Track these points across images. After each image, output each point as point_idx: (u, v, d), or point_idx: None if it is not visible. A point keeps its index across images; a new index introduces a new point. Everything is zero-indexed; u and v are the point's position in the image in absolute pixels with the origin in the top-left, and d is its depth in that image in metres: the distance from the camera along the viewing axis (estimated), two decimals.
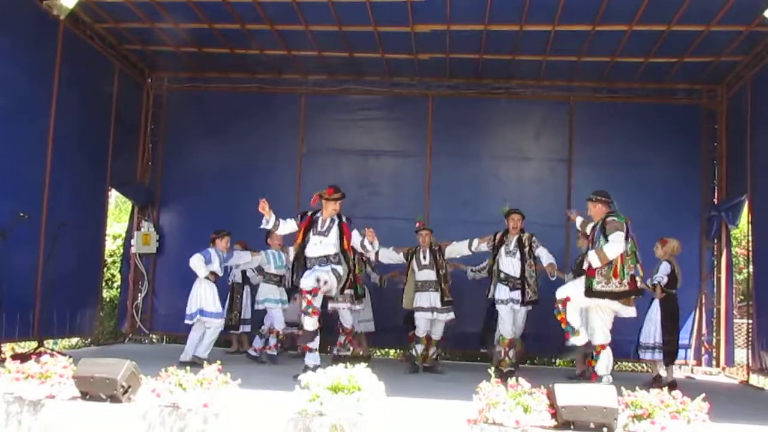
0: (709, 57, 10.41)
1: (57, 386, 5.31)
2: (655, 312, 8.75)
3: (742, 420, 6.05)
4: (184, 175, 12.08)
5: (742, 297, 12.52)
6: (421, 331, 9.22)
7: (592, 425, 4.70)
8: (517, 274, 8.82)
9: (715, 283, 11.19)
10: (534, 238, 8.92)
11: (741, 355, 11.07)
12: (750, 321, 10.33)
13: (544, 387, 4.97)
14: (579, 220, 7.98)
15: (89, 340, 11.24)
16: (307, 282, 7.68)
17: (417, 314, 9.22)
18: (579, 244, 9.02)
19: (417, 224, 9.48)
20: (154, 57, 11.81)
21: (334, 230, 8.04)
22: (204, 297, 8.95)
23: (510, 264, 8.88)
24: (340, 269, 7.93)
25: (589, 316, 7.54)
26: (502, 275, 8.92)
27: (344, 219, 8.21)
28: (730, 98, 11.19)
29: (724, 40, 9.76)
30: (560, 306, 7.27)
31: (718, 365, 10.96)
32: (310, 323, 7.75)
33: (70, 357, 5.87)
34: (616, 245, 7.01)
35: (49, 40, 9.45)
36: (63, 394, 5.30)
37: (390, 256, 9.41)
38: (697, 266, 11.05)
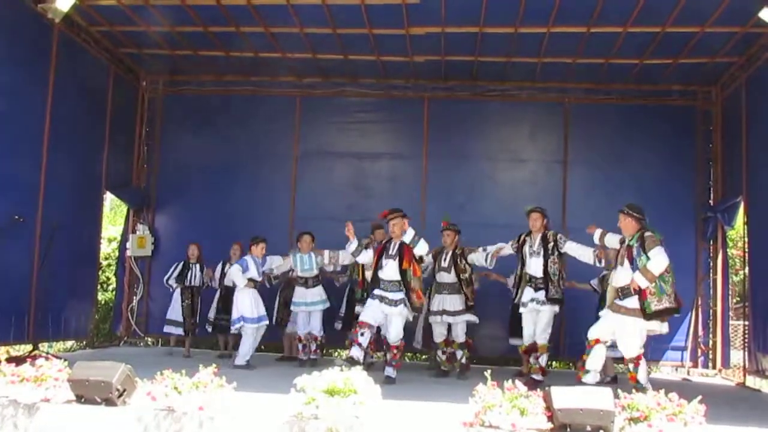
0: (703, 58, 10.43)
1: (52, 389, 5.31)
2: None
3: (739, 422, 6.06)
4: (179, 178, 12.07)
5: (739, 298, 12.55)
6: (436, 336, 9.18)
7: (588, 428, 4.70)
8: (540, 274, 8.35)
9: (711, 284, 11.19)
10: (560, 235, 8.47)
11: (737, 356, 11.07)
12: (746, 322, 10.33)
13: (540, 390, 4.97)
14: (597, 233, 7.81)
15: (84, 343, 11.21)
16: (364, 316, 8.26)
17: (430, 318, 9.19)
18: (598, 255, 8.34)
19: (442, 224, 9.26)
20: (149, 60, 11.79)
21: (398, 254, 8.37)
22: (242, 304, 9.23)
23: (534, 264, 8.42)
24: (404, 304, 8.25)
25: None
26: (527, 277, 8.46)
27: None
28: (724, 99, 11.21)
29: (719, 41, 9.78)
30: (632, 365, 7.05)
31: (714, 367, 10.96)
32: (353, 351, 8.01)
33: (65, 360, 5.86)
34: (659, 260, 6.81)
35: (43, 43, 9.44)
36: (58, 398, 5.30)
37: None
38: (693, 268, 11.05)
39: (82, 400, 5.28)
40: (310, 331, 9.59)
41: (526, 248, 8.49)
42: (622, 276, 7.05)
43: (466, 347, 9.16)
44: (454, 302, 8.96)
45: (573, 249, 8.35)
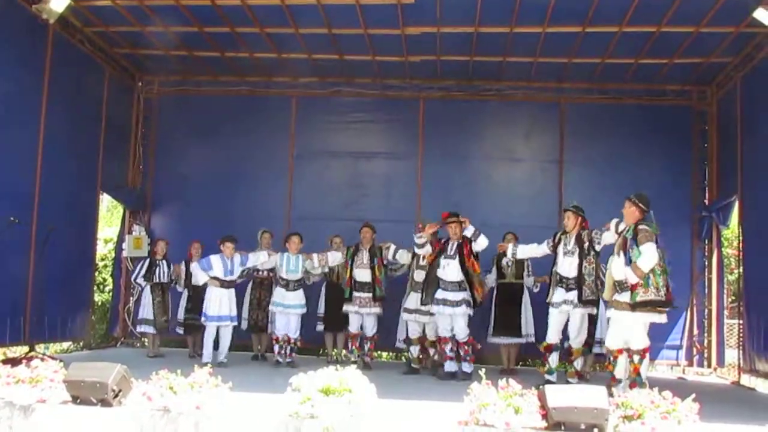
0: (698, 58, 10.45)
1: (48, 390, 5.32)
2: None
3: (733, 420, 6.08)
4: (175, 178, 12.07)
5: (734, 297, 12.55)
6: (411, 333, 9.33)
7: (582, 426, 4.71)
8: (573, 274, 8.00)
9: (706, 283, 11.21)
10: (595, 233, 7.98)
11: (732, 355, 11.08)
12: (741, 321, 10.35)
13: (534, 388, 4.98)
14: (613, 223, 7.63)
15: (81, 344, 11.19)
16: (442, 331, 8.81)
17: (404, 316, 9.44)
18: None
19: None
20: (145, 60, 11.79)
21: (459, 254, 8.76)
22: (208, 301, 9.37)
23: (567, 264, 8.08)
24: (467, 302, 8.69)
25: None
26: (558, 277, 8.15)
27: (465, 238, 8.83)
28: (720, 99, 11.24)
29: (714, 41, 9.80)
30: (611, 358, 7.17)
31: (709, 366, 10.99)
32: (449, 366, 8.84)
33: (61, 361, 5.86)
34: (649, 256, 6.83)
35: (38, 44, 9.41)
36: (54, 399, 5.31)
37: (406, 257, 9.54)
38: (688, 267, 11.07)
39: (78, 400, 5.29)
40: (286, 333, 9.54)
41: (560, 248, 8.19)
42: (617, 267, 7.06)
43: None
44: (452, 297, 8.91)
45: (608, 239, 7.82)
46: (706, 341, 11.12)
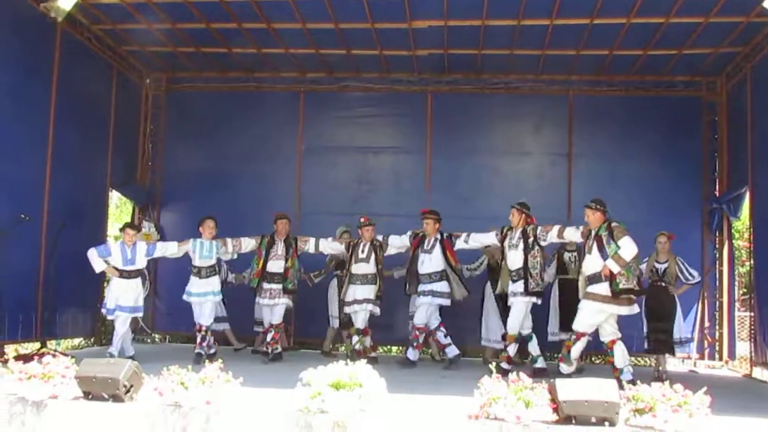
0: (707, 48, 10.40)
1: (60, 386, 5.34)
2: (679, 306, 9.04)
3: (745, 413, 6.06)
4: (184, 174, 12.10)
5: (745, 290, 12.50)
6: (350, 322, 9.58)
7: (593, 419, 4.70)
8: (517, 266, 8.56)
9: (717, 276, 11.15)
10: (540, 230, 8.56)
11: (744, 348, 11.04)
12: (752, 314, 10.31)
13: (545, 382, 4.98)
14: (555, 230, 8.54)
15: (92, 340, 11.25)
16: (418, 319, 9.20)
17: (346, 309, 9.55)
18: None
19: (361, 219, 9.59)
20: (152, 57, 11.81)
21: (438, 248, 9.15)
22: (108, 292, 9.07)
23: (511, 257, 8.67)
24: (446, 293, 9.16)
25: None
26: (507, 270, 8.74)
27: (445, 236, 9.24)
28: (729, 89, 11.17)
29: (723, 31, 9.74)
30: (574, 337, 7.89)
31: (720, 359, 10.94)
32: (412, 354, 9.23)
33: (72, 357, 5.91)
34: (631, 248, 7.52)
35: (47, 42, 9.46)
36: (66, 394, 5.33)
37: (332, 246, 9.66)
38: (699, 259, 10.99)
39: (90, 396, 5.31)
40: (199, 322, 9.30)
41: (506, 242, 8.78)
42: (591, 263, 7.76)
43: (362, 334, 9.43)
44: (366, 292, 9.33)
45: (570, 234, 8.49)
46: (717, 334, 11.07)
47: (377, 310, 9.44)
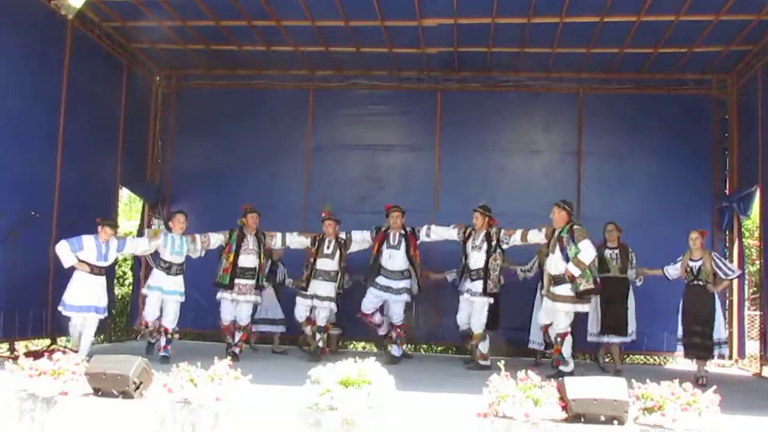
0: (718, 46, 10.35)
1: (69, 383, 5.37)
2: (719, 306, 8.70)
3: (755, 412, 6.04)
4: (193, 172, 12.12)
5: (755, 288, 12.44)
6: (301, 316, 9.53)
7: (602, 418, 4.69)
8: (478, 266, 8.90)
9: None
10: (503, 233, 8.93)
11: (754, 347, 10.98)
12: (762, 313, 10.26)
13: (553, 380, 4.97)
14: (518, 234, 8.87)
15: (102, 337, 11.28)
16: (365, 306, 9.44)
17: (308, 302, 9.51)
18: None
19: (323, 214, 9.60)
20: (162, 55, 11.84)
21: (404, 243, 9.33)
22: (70, 287, 8.26)
23: (474, 257, 8.97)
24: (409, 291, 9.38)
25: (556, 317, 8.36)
26: (467, 269, 9.04)
27: (409, 230, 9.42)
28: (740, 87, 11.12)
29: (734, 29, 9.70)
30: (559, 339, 8.27)
31: (730, 357, 10.87)
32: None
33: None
34: (589, 251, 7.99)
35: (57, 39, 9.50)
36: (75, 391, 5.36)
37: (298, 241, 9.62)
38: None
39: (99, 393, 5.34)
40: (158, 321, 8.88)
41: (469, 242, 9.05)
42: (554, 263, 8.19)
43: (324, 331, 9.51)
44: (329, 289, 9.40)
45: (534, 237, 8.80)
46: (727, 333, 10.99)
47: (335, 308, 9.55)
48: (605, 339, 9.33)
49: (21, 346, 9.39)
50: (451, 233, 9.31)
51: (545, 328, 8.70)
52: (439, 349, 12.50)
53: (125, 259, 13.36)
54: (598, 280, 8.18)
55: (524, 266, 9.70)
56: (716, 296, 8.63)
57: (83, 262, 8.21)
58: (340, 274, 9.46)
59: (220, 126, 12.12)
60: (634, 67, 11.24)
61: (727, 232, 11.16)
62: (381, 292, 9.36)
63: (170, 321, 8.81)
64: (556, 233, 8.23)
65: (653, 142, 11.33)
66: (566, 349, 8.22)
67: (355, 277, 10.22)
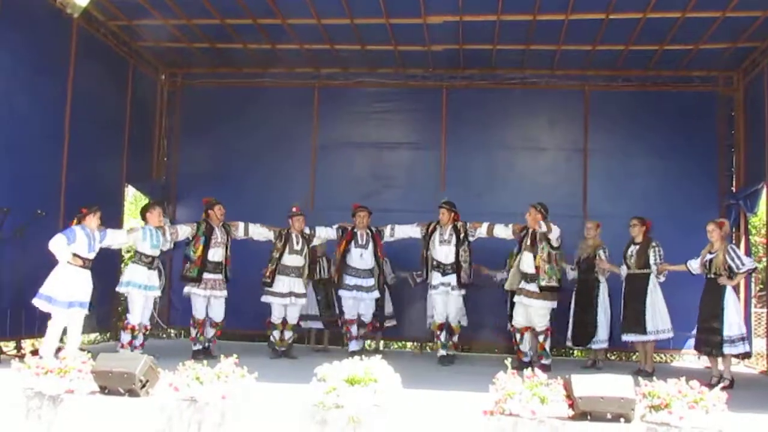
0: (725, 43, 10.31)
1: (76, 381, 5.37)
2: (734, 301, 8.15)
3: (762, 410, 6.02)
4: (199, 170, 12.11)
5: (761, 286, 12.40)
6: (277, 318, 9.44)
7: (609, 416, 4.68)
8: (450, 261, 9.09)
9: None
10: (470, 226, 9.20)
11: (761, 344, 10.95)
12: None
13: (560, 377, 4.96)
14: (484, 227, 9.26)
15: (108, 335, 11.31)
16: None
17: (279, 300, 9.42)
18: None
19: (293, 209, 9.58)
20: (167, 53, 11.85)
21: (371, 243, 9.52)
22: (57, 281, 7.63)
23: (443, 251, 9.12)
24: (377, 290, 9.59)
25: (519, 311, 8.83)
26: (435, 263, 9.17)
27: (374, 230, 9.59)
28: (746, 84, 11.08)
29: (740, 26, 9.66)
30: (542, 336, 8.71)
31: (748, 357, 10.82)
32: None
33: (88, 352, 5.92)
34: (557, 232, 8.49)
35: (63, 38, 9.51)
36: (82, 389, 5.36)
37: (260, 232, 9.54)
38: None
39: (106, 391, 5.35)
40: (141, 321, 8.59)
41: (436, 237, 9.20)
42: (526, 260, 8.62)
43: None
44: (301, 286, 9.42)
45: (500, 231, 9.18)
46: (743, 329, 10.93)
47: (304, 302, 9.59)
48: (626, 338, 9.02)
49: (27, 345, 9.39)
50: (414, 231, 9.49)
51: (519, 329, 8.88)
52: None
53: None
54: (559, 278, 8.65)
55: (573, 265, 9.57)
56: (729, 290, 8.08)
57: (76, 255, 7.70)
58: (305, 270, 9.46)
59: (225, 124, 12.12)
60: (640, 64, 11.22)
61: (734, 230, 11.11)
62: (352, 292, 9.46)
63: (147, 317, 8.70)
64: (530, 231, 8.62)
65: (659, 139, 11.30)
66: (526, 344, 8.79)
67: (399, 273, 10.44)
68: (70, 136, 9.59)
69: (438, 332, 9.23)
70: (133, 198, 16.23)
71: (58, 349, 7.22)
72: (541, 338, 8.72)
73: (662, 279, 8.86)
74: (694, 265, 8.35)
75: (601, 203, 10.98)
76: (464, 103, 11.84)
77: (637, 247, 8.93)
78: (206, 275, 9.10)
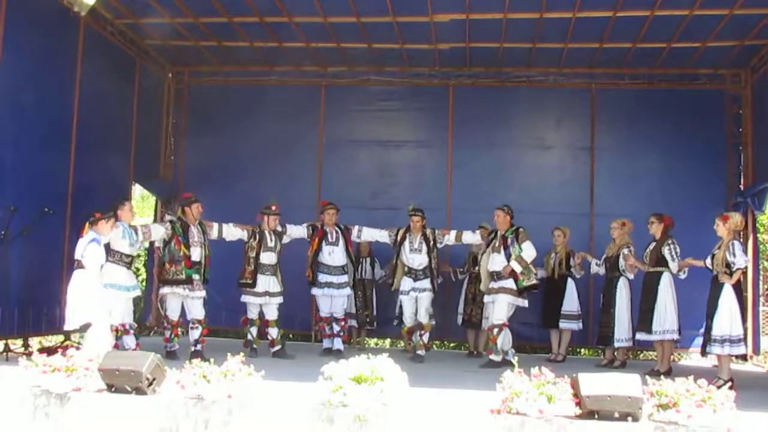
0: (732, 41, 10.27)
1: (83, 379, 5.38)
2: (729, 300, 7.76)
3: None
4: (206, 168, 12.11)
5: None
6: (253, 314, 9.34)
7: (616, 414, 4.68)
8: (423, 266, 9.35)
9: None
10: (438, 233, 9.46)
11: None
12: None
13: (567, 376, 4.95)
14: (452, 235, 9.53)
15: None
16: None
17: (257, 300, 9.31)
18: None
19: (273, 207, 9.47)
20: (174, 52, 11.86)
21: (342, 240, 9.59)
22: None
23: (415, 258, 9.36)
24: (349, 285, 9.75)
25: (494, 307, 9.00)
26: (406, 269, 9.45)
27: (343, 228, 9.66)
28: (754, 82, 11.03)
29: (748, 23, 9.61)
30: (496, 330, 8.82)
31: (744, 359, 10.78)
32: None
33: None
34: (531, 251, 8.82)
35: (70, 36, 9.52)
36: (89, 387, 5.37)
37: (233, 232, 9.31)
38: None
39: (113, 389, 5.36)
40: (122, 322, 8.11)
41: (407, 244, 9.43)
42: (496, 261, 8.93)
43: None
44: (277, 284, 9.36)
45: (468, 238, 9.52)
46: (739, 330, 10.92)
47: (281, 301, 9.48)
48: (639, 337, 8.92)
49: (35, 342, 9.43)
50: (382, 235, 9.68)
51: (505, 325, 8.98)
52: (452, 345, 12.50)
53: (138, 255, 13.39)
54: (537, 277, 9.05)
55: (599, 260, 9.60)
56: (727, 289, 7.73)
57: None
58: (279, 267, 9.40)
59: (231, 122, 12.13)
60: (647, 62, 11.17)
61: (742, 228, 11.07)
62: (324, 290, 9.55)
63: (130, 315, 8.30)
64: (499, 234, 8.99)
65: (666, 137, 11.26)
66: (500, 340, 8.78)
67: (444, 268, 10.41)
68: (78, 135, 9.61)
69: (408, 335, 9.63)
70: (140, 196, 16.30)
71: (66, 347, 7.22)
72: (495, 331, 8.81)
73: (683, 276, 8.67)
74: (708, 261, 8.03)
75: (608, 201, 10.96)
76: (471, 102, 11.82)
77: (653, 244, 8.82)
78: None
